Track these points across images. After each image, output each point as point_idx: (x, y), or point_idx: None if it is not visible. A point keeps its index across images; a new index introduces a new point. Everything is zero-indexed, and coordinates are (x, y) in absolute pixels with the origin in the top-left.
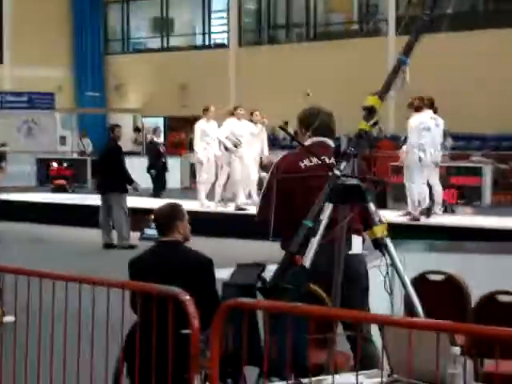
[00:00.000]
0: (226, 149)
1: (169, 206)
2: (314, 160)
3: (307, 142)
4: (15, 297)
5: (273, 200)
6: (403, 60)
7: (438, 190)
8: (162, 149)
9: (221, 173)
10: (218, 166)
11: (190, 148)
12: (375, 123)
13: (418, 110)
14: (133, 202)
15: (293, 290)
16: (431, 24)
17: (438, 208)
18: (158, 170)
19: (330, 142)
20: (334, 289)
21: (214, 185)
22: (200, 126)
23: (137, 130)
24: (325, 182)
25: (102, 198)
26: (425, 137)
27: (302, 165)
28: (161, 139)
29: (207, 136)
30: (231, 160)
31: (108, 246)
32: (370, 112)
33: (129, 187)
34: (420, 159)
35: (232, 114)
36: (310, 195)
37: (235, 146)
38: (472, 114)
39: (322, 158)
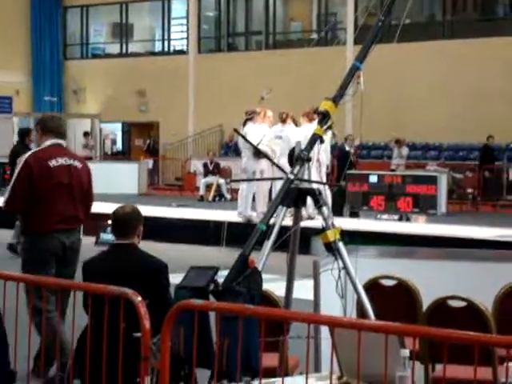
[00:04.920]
0: None
1: (131, 209)
2: (60, 160)
3: (47, 143)
4: None
5: (23, 192)
6: (357, 65)
7: None
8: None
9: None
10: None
11: (148, 153)
12: (329, 127)
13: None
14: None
15: (246, 293)
16: (386, 30)
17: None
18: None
19: (64, 143)
20: (286, 290)
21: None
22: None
23: (86, 134)
24: (72, 180)
25: None
26: (277, 144)
27: (51, 164)
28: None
29: None
30: None
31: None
32: (324, 117)
33: None
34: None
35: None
36: (57, 191)
37: None
38: (428, 124)
39: (65, 158)
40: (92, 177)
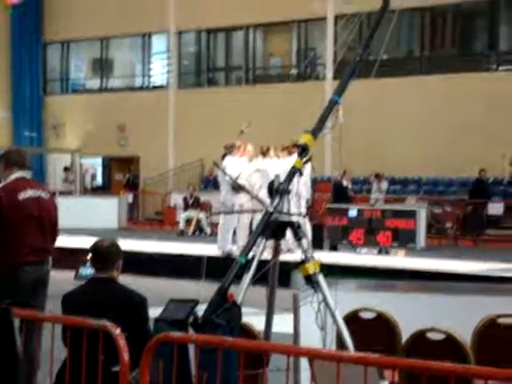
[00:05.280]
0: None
1: (110, 243)
2: (29, 192)
3: (12, 176)
4: None
5: None
6: (336, 99)
7: None
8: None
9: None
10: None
11: (128, 188)
12: (308, 160)
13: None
14: (68, 241)
15: (225, 326)
16: (363, 65)
17: None
18: None
19: (28, 176)
20: (266, 323)
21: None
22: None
23: (66, 169)
24: (41, 212)
25: None
26: (256, 178)
27: (20, 197)
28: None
29: None
30: None
31: None
32: (303, 150)
33: None
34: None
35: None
36: (26, 223)
37: None
38: (407, 158)
39: (34, 190)
40: (58, 209)
